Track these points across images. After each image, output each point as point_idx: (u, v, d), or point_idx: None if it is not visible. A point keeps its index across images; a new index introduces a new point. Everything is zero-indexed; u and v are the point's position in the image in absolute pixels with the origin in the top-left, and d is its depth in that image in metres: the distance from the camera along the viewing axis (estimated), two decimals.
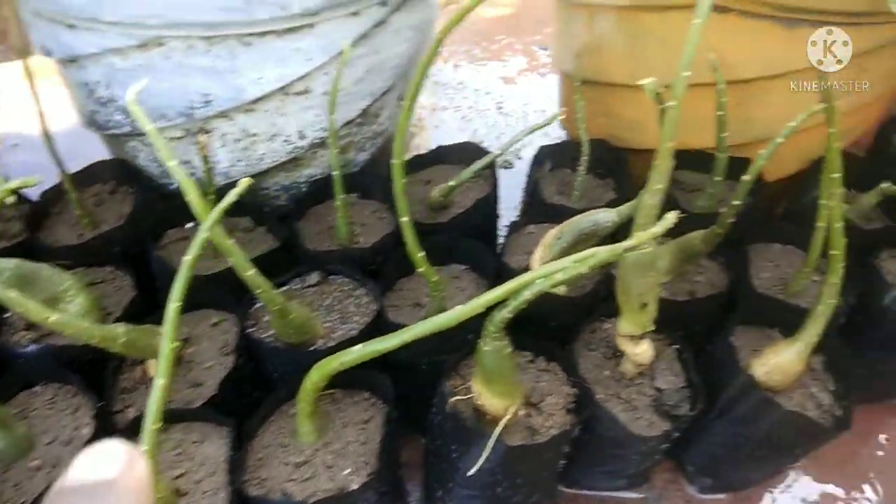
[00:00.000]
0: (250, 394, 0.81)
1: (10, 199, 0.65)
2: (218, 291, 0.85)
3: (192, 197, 0.58)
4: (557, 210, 0.99)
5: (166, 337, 0.53)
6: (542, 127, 0.94)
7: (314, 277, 0.89)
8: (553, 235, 0.82)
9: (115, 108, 0.97)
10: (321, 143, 1.02)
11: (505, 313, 0.57)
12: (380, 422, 0.72)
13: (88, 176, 1.06)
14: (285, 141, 0.99)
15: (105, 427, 0.71)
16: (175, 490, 0.65)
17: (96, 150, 1.12)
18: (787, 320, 0.78)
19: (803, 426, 0.74)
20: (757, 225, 0.98)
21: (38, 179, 0.64)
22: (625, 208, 0.81)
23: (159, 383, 0.52)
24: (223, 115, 0.93)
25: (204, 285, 0.84)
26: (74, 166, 1.01)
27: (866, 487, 0.94)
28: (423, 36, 1.06)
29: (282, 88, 0.92)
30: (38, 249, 0.93)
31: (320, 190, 1.03)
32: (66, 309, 0.79)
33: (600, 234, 0.82)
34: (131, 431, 0.68)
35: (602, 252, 0.51)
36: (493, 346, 0.60)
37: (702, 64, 0.80)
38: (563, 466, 0.77)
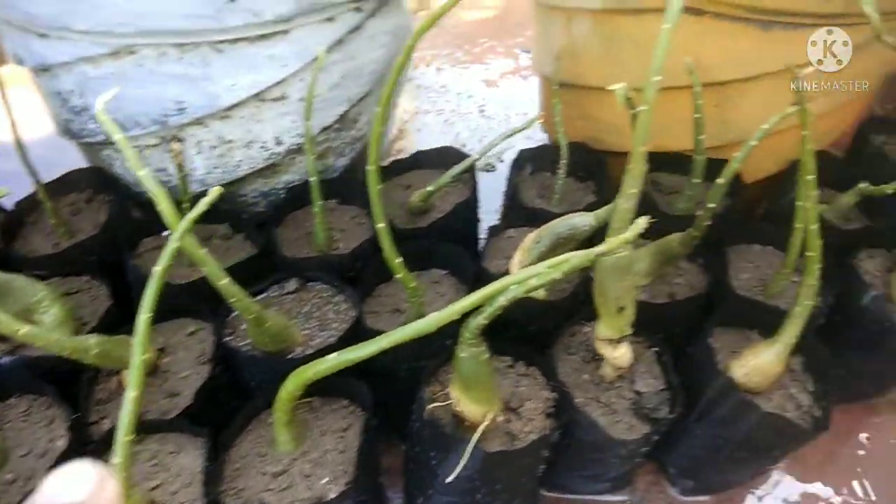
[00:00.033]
0: (227, 403, 0.80)
1: None
2: (194, 300, 0.84)
3: (164, 206, 0.58)
4: (537, 214, 0.98)
5: (137, 348, 0.53)
6: (520, 131, 0.94)
7: (292, 284, 0.88)
8: (532, 239, 0.81)
9: (88, 117, 0.96)
10: (298, 150, 1.02)
11: (480, 320, 0.56)
12: (358, 430, 0.72)
13: (64, 185, 1.05)
14: (262, 147, 0.99)
15: (80, 439, 0.71)
16: (150, 502, 0.64)
17: (73, 159, 1.11)
18: (767, 321, 0.78)
19: (783, 427, 0.74)
20: (736, 226, 0.98)
21: (5, 191, 0.63)
22: (602, 212, 0.80)
23: (131, 395, 0.52)
24: (198, 122, 0.92)
25: (180, 294, 0.83)
26: (52, 175, 1.00)
27: (854, 485, 0.94)
28: (399, 41, 1.06)
29: (257, 95, 0.91)
30: (13, 260, 0.92)
31: (299, 196, 1.02)
32: (41, 320, 0.78)
33: (578, 237, 0.82)
34: (106, 443, 0.67)
35: (576, 257, 0.51)
36: (469, 352, 0.60)
37: (679, 66, 0.81)
38: (545, 471, 0.77)
